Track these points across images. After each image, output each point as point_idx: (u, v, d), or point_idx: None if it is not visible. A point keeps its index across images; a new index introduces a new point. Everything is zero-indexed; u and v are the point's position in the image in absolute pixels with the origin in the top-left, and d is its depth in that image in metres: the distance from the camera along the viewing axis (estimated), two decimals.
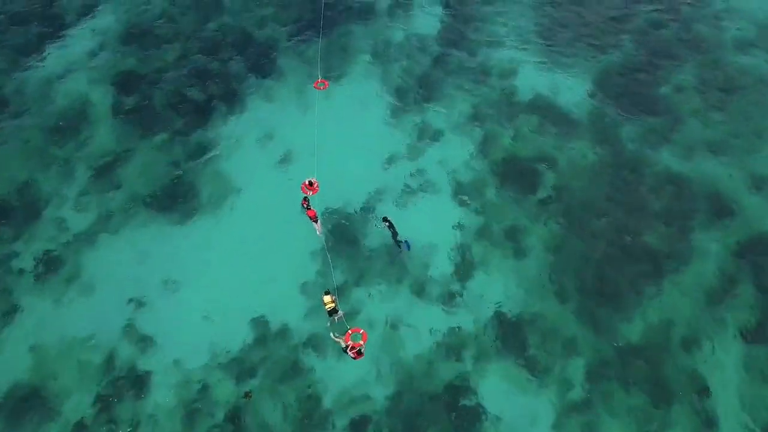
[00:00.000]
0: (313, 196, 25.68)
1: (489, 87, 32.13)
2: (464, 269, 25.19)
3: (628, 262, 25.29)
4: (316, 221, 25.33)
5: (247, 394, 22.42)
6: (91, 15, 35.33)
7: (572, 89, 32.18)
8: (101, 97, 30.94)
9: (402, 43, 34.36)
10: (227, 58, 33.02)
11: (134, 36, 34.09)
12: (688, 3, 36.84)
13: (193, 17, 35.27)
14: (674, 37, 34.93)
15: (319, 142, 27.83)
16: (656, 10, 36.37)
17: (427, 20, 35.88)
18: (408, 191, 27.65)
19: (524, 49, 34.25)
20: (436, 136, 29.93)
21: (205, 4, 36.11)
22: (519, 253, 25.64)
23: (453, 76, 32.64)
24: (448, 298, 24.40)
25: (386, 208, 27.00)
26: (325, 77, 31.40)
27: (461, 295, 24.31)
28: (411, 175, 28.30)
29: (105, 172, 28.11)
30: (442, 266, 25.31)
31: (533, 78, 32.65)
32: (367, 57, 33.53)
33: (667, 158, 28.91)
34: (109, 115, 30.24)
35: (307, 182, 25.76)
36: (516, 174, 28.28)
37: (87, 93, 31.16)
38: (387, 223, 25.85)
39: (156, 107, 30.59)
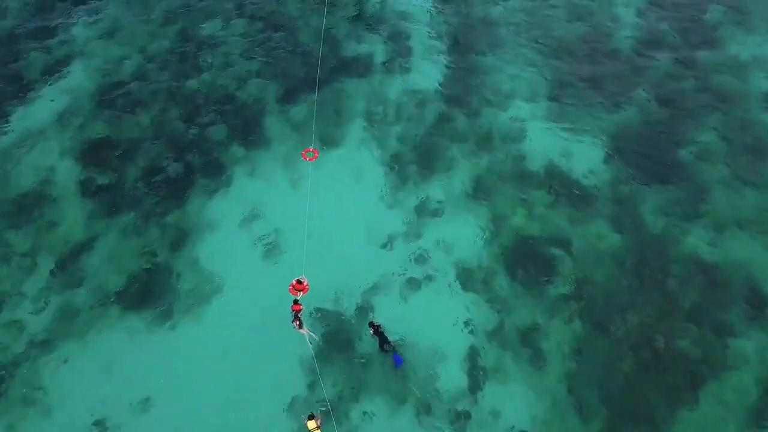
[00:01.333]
0: (304, 297, 22.77)
1: (495, 152, 29.29)
2: (474, 380, 22.29)
3: (659, 369, 22.46)
4: (300, 324, 22.39)
5: None
6: (59, 73, 32.32)
7: (586, 154, 29.38)
8: (68, 172, 27.94)
9: (400, 102, 31.49)
10: (208, 122, 30.06)
11: (106, 97, 31.08)
12: (708, 50, 34.21)
13: (170, 74, 32.33)
14: (694, 90, 32.23)
15: (310, 223, 24.96)
16: (673, 60, 33.68)
17: (427, 73, 33.04)
18: (408, 282, 24.72)
19: (532, 106, 31.46)
20: (439, 212, 27.06)
21: (185, 58, 33.20)
22: (536, 359, 22.76)
23: (456, 140, 29.79)
24: (457, 418, 21.50)
25: (384, 303, 24.11)
26: (317, 145, 28.59)
27: (470, 417, 21.39)
28: (411, 261, 25.42)
29: (69, 263, 25.08)
30: (449, 376, 22.36)
31: (543, 141, 29.85)
32: (362, 119, 30.63)
33: (695, 239, 26.13)
34: (77, 194, 27.23)
35: (295, 282, 22.79)
36: (529, 260, 25.44)
37: (53, 166, 28.16)
38: (373, 330, 22.93)
39: (128, 183, 27.61)
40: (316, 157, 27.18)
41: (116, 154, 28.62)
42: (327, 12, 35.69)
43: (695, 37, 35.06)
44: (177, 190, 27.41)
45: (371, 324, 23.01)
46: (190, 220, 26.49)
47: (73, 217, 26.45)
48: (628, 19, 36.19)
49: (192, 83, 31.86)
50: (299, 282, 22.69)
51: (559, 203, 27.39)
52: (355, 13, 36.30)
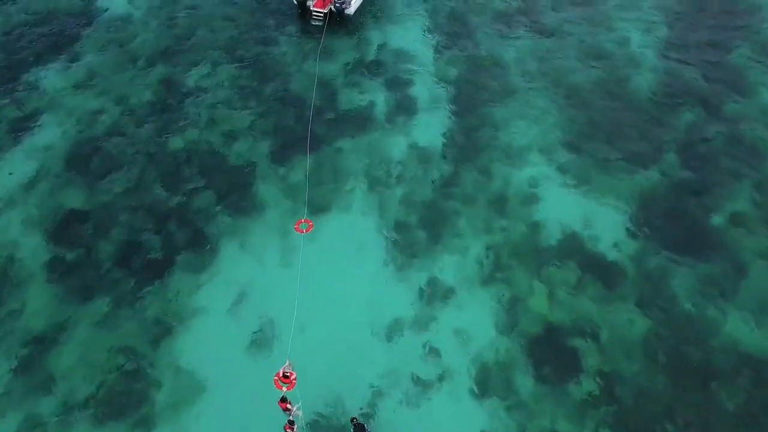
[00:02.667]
0: (291, 392, 19.94)
1: (509, 221, 26.52)
2: None
3: None
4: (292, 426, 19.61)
5: None
6: (31, 129, 29.43)
7: (609, 221, 26.64)
8: (34, 250, 25.03)
9: (402, 160, 28.71)
10: (192, 188, 27.19)
11: (81, 157, 28.18)
12: (736, 97, 31.57)
13: (151, 129, 29.46)
14: (723, 144, 29.55)
15: (303, 308, 22.21)
16: (698, 108, 30.97)
17: (432, 126, 30.25)
18: (417, 383, 21.92)
19: (548, 164, 28.71)
20: (449, 294, 24.25)
21: (167, 110, 30.34)
22: None
23: (466, 204, 27.03)
24: None
25: (387, 408, 21.30)
26: (311, 211, 25.81)
27: None
28: (420, 356, 22.62)
29: (33, 363, 22.19)
30: None
31: (562, 206, 27.10)
32: (361, 180, 27.82)
33: (735, 324, 23.39)
34: (42, 276, 24.34)
35: (281, 374, 20.01)
36: (552, 353, 22.65)
37: (15, 242, 25.26)
38: (354, 429, 20.21)
39: (102, 262, 24.70)
40: (311, 229, 24.42)
41: (88, 226, 25.72)
42: (322, 54, 33.08)
43: (721, 81, 32.40)
44: (156, 270, 24.52)
45: (354, 420, 20.24)
46: (170, 307, 23.59)
47: (37, 304, 23.53)
48: (648, 62, 33.51)
49: (174, 141, 29.00)
50: (285, 375, 19.91)
51: (583, 282, 24.64)
52: (353, 57, 33.52)
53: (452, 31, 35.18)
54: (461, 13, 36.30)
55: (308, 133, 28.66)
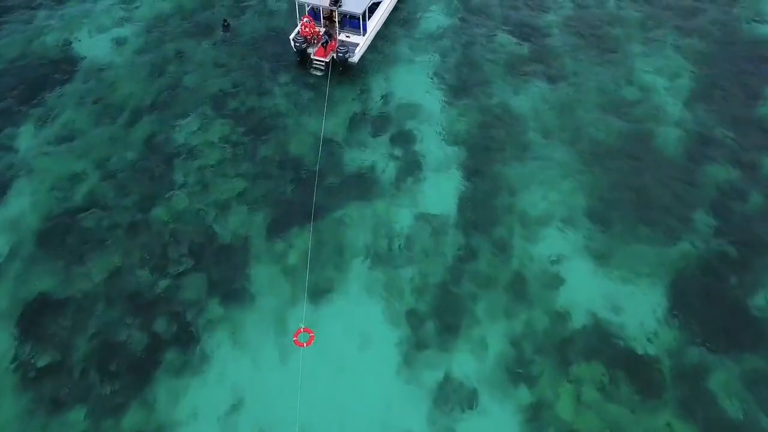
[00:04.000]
0: None
1: (529, 307, 23.94)
2: None
3: None
4: None
5: None
6: None
7: (639, 306, 24.07)
8: (1, 350, 22.35)
9: (411, 233, 26.10)
10: (179, 271, 24.47)
11: (55, 233, 25.42)
12: None
13: (134, 199, 26.72)
14: (761, 209, 27.12)
15: (305, 417, 19.66)
16: (731, 167, 28.50)
17: (442, 191, 27.66)
18: None
19: (571, 237, 26.16)
20: (469, 397, 21.64)
21: (152, 175, 27.61)
22: None
23: (482, 287, 24.44)
24: None
25: None
26: (312, 298, 23.28)
27: None
28: None
29: None
30: None
31: (586, 289, 24.54)
32: (366, 258, 25.18)
33: None
34: (9, 382, 21.60)
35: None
36: None
37: None
38: None
39: (77, 363, 21.96)
40: (312, 341, 21.86)
41: (63, 320, 22.94)
42: (322, 107, 30.46)
43: (753, 136, 29.97)
44: (139, 373, 21.81)
45: None
46: (154, 417, 20.92)
47: (3, 417, 20.84)
48: (674, 113, 31.02)
49: (160, 212, 26.29)
50: None
51: (613, 381, 22.10)
52: (356, 110, 30.88)
53: (462, 78, 32.58)
54: (471, 57, 33.72)
55: (312, 204, 26.12)
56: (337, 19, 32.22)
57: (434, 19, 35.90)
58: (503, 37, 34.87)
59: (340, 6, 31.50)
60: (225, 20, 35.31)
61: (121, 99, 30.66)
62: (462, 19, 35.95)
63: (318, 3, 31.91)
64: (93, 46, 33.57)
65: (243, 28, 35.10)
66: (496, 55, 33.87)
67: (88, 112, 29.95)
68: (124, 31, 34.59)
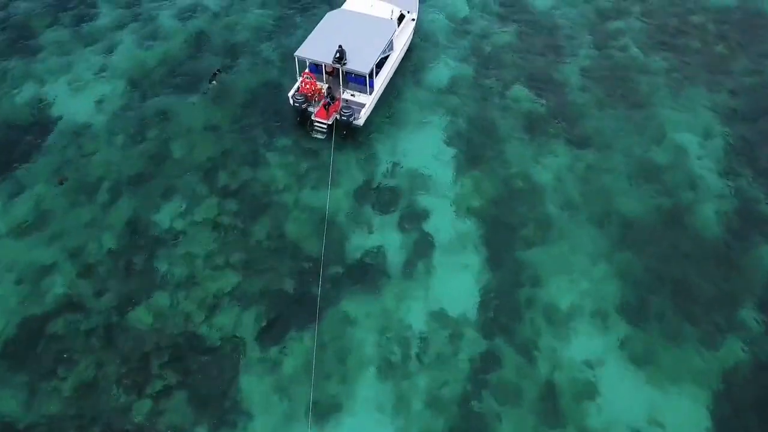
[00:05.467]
0: None
1: (562, 424, 21.13)
2: None
3: None
4: None
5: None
6: None
7: (684, 422, 21.28)
8: None
9: (424, 335, 23.07)
10: (160, 388, 21.30)
11: (17, 342, 22.23)
12: None
13: (111, 297, 23.55)
14: None
15: None
16: None
17: (457, 280, 24.68)
18: None
19: (603, 337, 23.23)
20: None
21: (131, 268, 24.52)
22: None
23: (506, 402, 21.49)
24: None
25: None
26: (316, 421, 20.34)
27: None
28: None
29: None
30: None
31: (623, 399, 21.62)
32: (375, 368, 22.15)
33: None
34: None
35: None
36: None
37: None
38: None
39: None
40: None
41: None
42: (321, 180, 27.53)
43: None
44: None
45: None
46: None
47: None
48: (711, 183, 28.10)
49: (140, 313, 23.22)
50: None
51: None
52: (360, 181, 27.83)
53: (475, 141, 29.60)
54: (484, 116, 30.72)
55: (317, 302, 23.20)
56: (341, 76, 29.24)
57: (443, 70, 32.89)
58: (519, 92, 31.90)
59: (344, 64, 28.55)
60: (218, 69, 32.24)
61: (98, 171, 27.57)
62: (474, 70, 32.95)
63: (320, 59, 28.95)
64: (69, 105, 30.40)
65: (235, 81, 32.00)
66: (511, 113, 30.91)
67: (61, 189, 26.85)
68: (104, 86, 31.43)
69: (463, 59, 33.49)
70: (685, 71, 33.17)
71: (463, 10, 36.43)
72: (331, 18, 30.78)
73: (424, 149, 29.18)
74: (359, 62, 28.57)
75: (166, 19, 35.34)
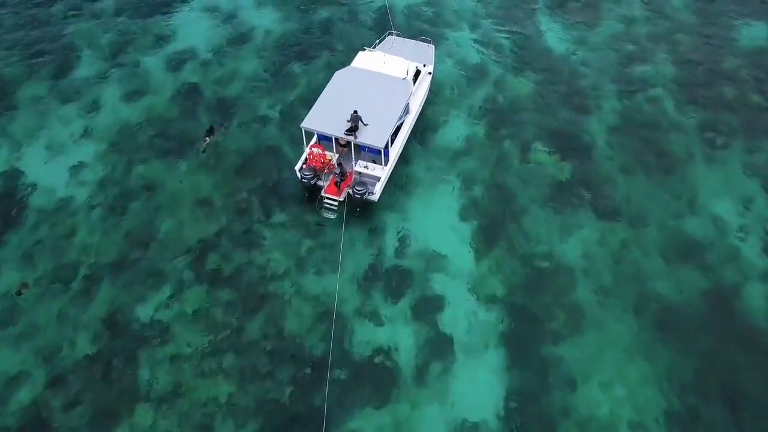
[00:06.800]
0: None
1: None
2: None
3: None
4: None
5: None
6: None
7: None
8: None
9: None
10: None
11: None
12: None
13: (85, 418, 20.63)
14: None
15: None
16: None
17: (479, 386, 21.81)
18: None
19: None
20: None
21: (107, 374, 21.59)
22: None
23: None
24: None
25: None
26: None
27: None
28: None
29: None
30: None
31: None
32: None
33: None
34: None
35: None
36: None
37: None
38: None
39: None
40: None
41: None
42: (325, 262, 24.73)
43: None
44: None
45: None
46: None
47: None
48: (756, 261, 25.36)
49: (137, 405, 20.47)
50: None
51: None
52: (368, 263, 24.96)
53: (493, 213, 26.79)
54: (502, 183, 27.84)
55: (323, 417, 20.39)
56: (353, 147, 26.33)
57: (455, 127, 30.06)
58: (539, 153, 29.10)
59: (356, 137, 25.65)
60: (212, 126, 29.43)
61: (75, 255, 24.68)
62: (488, 128, 30.13)
63: (330, 132, 25.92)
64: (44, 173, 27.48)
65: (228, 143, 29.16)
66: (532, 178, 28.11)
67: (34, 278, 23.97)
68: (83, 149, 28.51)
69: (476, 115, 30.66)
70: (719, 128, 30.41)
71: (475, 55, 33.62)
72: (340, 79, 27.69)
73: (437, 223, 26.38)
74: (373, 134, 25.57)
75: (152, 68, 32.46)
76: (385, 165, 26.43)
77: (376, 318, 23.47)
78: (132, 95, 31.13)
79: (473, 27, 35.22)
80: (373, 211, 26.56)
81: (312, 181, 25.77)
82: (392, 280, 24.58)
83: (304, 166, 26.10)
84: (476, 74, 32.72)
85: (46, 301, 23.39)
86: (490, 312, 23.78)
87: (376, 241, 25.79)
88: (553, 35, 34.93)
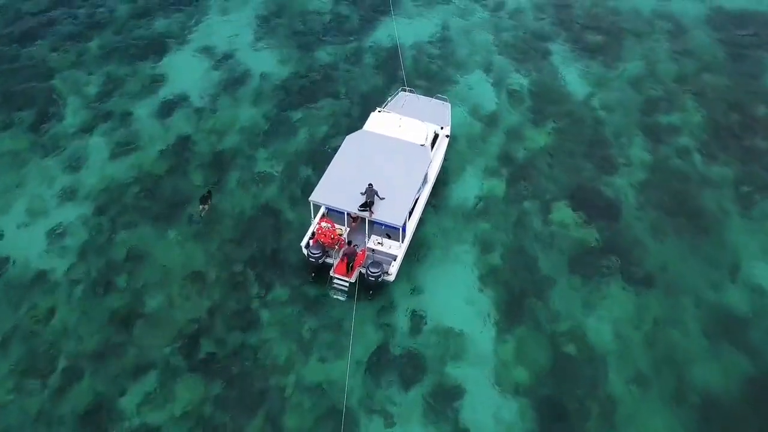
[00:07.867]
0: None
1: None
2: None
3: None
4: None
5: None
6: None
7: None
8: None
9: None
10: None
11: None
12: None
13: None
14: None
15: None
16: None
17: None
18: None
19: None
20: None
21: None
22: None
23: None
24: None
25: None
26: None
27: None
28: None
29: None
30: None
31: None
32: None
33: None
34: None
35: None
36: None
37: None
38: None
39: None
40: None
41: None
42: (330, 347, 22.33)
43: None
44: None
45: None
46: None
47: None
48: None
49: None
50: None
51: None
52: (377, 345, 22.48)
53: (513, 284, 24.40)
54: (522, 250, 25.42)
55: None
56: (367, 222, 23.82)
57: (472, 186, 27.62)
58: (562, 213, 26.74)
59: (372, 213, 23.19)
60: (209, 191, 26.94)
61: (53, 341, 22.19)
62: (506, 185, 27.76)
63: (342, 207, 23.46)
64: (21, 242, 25.04)
65: (223, 205, 26.77)
66: (554, 243, 25.73)
67: (7, 370, 21.53)
68: (65, 213, 26.07)
69: (492, 170, 28.29)
70: (755, 181, 28.11)
71: (490, 102, 31.26)
72: (351, 144, 25.13)
73: (453, 297, 23.98)
74: (391, 210, 23.10)
75: (142, 117, 30.09)
76: (402, 241, 23.93)
77: (387, 413, 20.90)
78: (119, 148, 28.76)
79: (487, 70, 32.89)
80: (383, 285, 24.18)
81: (320, 260, 23.30)
82: (404, 364, 22.10)
83: (311, 242, 23.58)
84: (491, 123, 30.37)
85: (21, 397, 20.88)
86: (513, 406, 21.27)
87: (385, 318, 23.36)
88: (572, 77, 32.62)
